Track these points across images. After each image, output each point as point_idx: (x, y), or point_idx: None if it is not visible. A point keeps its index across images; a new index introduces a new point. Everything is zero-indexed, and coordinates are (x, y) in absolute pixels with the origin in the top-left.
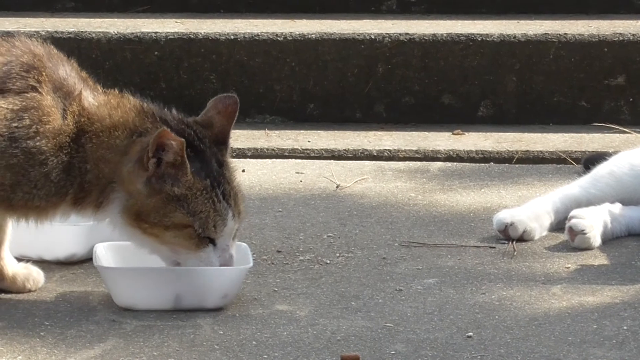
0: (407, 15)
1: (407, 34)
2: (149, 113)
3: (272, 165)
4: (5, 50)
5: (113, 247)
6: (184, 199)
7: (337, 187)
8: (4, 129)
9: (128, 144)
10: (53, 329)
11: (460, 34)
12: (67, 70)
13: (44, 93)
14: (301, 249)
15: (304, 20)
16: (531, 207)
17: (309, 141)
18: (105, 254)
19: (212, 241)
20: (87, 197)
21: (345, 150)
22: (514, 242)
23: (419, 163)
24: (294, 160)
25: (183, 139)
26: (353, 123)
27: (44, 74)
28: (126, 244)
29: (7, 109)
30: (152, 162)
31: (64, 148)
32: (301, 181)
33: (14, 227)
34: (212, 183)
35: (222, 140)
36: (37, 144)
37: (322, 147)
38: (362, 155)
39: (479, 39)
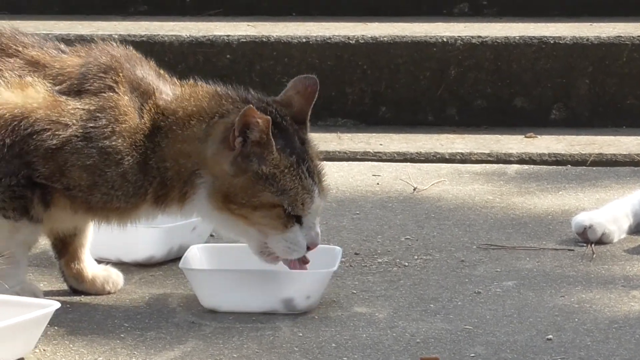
0: (479, 18)
1: (479, 36)
2: (226, 95)
3: (348, 167)
4: (84, 52)
5: (207, 249)
6: (272, 177)
7: (414, 189)
8: (80, 129)
9: (208, 128)
10: (133, 330)
11: (533, 36)
12: (144, 70)
13: (120, 93)
14: (379, 252)
15: (376, 23)
16: (610, 209)
17: (381, 144)
18: (200, 256)
19: (299, 220)
20: (169, 193)
21: (417, 153)
22: (593, 245)
23: (495, 166)
24: (370, 162)
25: (269, 117)
26: (425, 126)
27: (120, 74)
28: (219, 245)
29: (82, 109)
30: (239, 140)
31: (140, 147)
32: (378, 184)
33: (93, 230)
34: (298, 160)
35: (301, 120)
36: (113, 143)
37: (394, 150)
38: (434, 158)
39: (552, 42)
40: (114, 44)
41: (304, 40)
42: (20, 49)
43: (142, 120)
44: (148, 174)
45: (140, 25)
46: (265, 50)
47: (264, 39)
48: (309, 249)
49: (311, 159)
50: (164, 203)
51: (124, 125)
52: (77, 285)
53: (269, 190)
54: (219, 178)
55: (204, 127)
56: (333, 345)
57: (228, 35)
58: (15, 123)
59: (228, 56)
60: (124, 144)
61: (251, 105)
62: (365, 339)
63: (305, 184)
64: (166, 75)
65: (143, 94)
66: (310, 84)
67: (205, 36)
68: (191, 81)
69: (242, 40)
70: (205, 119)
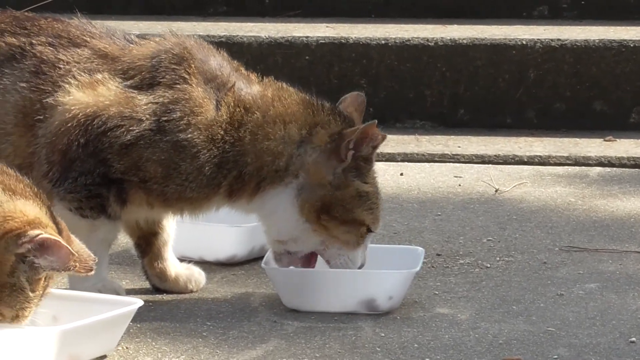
0: (558, 20)
1: (558, 39)
2: (320, 105)
3: (430, 169)
4: (154, 43)
5: None
6: (366, 195)
7: (496, 191)
8: (154, 124)
9: (307, 135)
10: (215, 329)
11: (613, 39)
12: (218, 61)
13: (194, 84)
14: (461, 253)
15: (455, 25)
16: None
17: (459, 147)
18: None
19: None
20: (244, 187)
21: (495, 156)
22: None
23: (577, 168)
24: (452, 164)
25: (386, 134)
26: (503, 129)
27: (193, 65)
28: None
29: (155, 103)
30: (351, 153)
31: (217, 140)
32: (460, 185)
33: (176, 228)
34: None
35: None
36: (189, 136)
37: (472, 153)
38: (513, 161)
39: (632, 45)
40: (184, 35)
41: (383, 41)
42: (88, 39)
43: (219, 113)
44: (224, 167)
45: (219, 26)
46: (343, 52)
47: (343, 40)
48: (359, 268)
49: None
50: (237, 195)
51: (199, 118)
52: (160, 284)
53: (363, 207)
54: (317, 186)
55: (303, 133)
56: (415, 345)
57: (307, 37)
58: (88, 122)
59: (307, 57)
60: (200, 137)
61: (375, 122)
62: (448, 339)
63: (381, 205)
64: (241, 68)
65: (219, 86)
66: (361, 102)
67: (284, 37)
68: (270, 79)
69: (321, 41)
70: (304, 125)
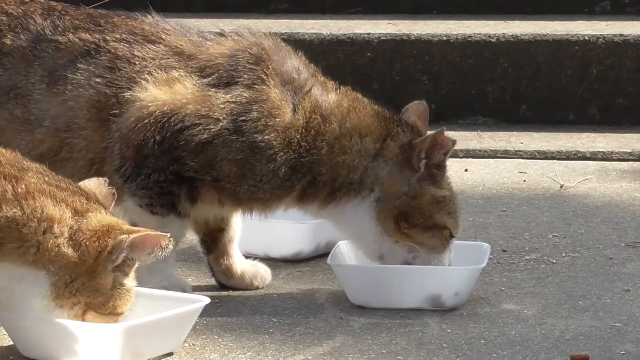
0: (621, 16)
1: (621, 35)
2: (389, 116)
3: (494, 164)
4: (233, 42)
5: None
6: (443, 199)
7: (561, 187)
8: (231, 123)
9: (380, 148)
10: (281, 325)
11: None
12: (295, 64)
13: (271, 86)
14: (527, 249)
15: (517, 21)
16: None
17: (521, 143)
18: (348, 252)
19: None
20: (316, 193)
21: (558, 152)
22: None
23: None
24: (516, 160)
25: (456, 140)
26: (566, 125)
27: (270, 67)
28: None
29: (233, 102)
30: (423, 162)
31: (293, 144)
32: (524, 181)
33: (241, 225)
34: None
35: None
36: (265, 137)
37: (535, 149)
38: (575, 157)
39: None
40: (263, 34)
41: (445, 38)
42: (163, 36)
43: (295, 117)
44: (298, 170)
45: (280, 23)
46: (405, 49)
47: (404, 37)
48: None
49: None
50: (309, 200)
51: (277, 120)
52: (226, 281)
53: (444, 211)
54: (394, 198)
55: (377, 146)
56: (482, 341)
57: (368, 34)
58: (165, 120)
59: (368, 54)
60: (277, 139)
61: (444, 128)
62: (514, 335)
63: (458, 207)
64: (318, 74)
65: (296, 89)
66: (424, 110)
67: (345, 34)
68: (346, 89)
69: (383, 38)
70: (379, 138)
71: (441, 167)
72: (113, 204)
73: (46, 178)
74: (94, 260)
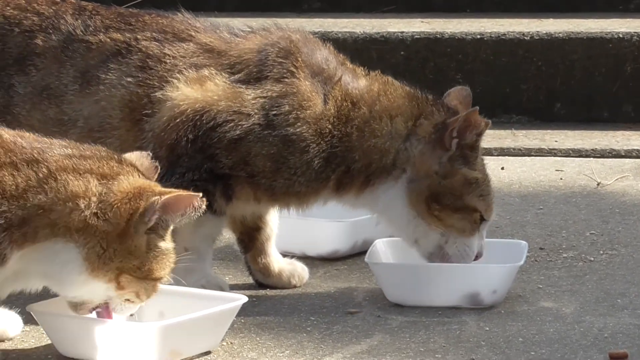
0: None
1: None
2: (423, 96)
3: (531, 162)
4: (260, 36)
5: (392, 243)
6: (476, 181)
7: (598, 184)
8: (262, 118)
9: (413, 128)
10: (319, 324)
11: None
12: (324, 55)
13: (301, 78)
14: (564, 246)
15: (551, 19)
16: None
17: (556, 141)
18: (385, 250)
19: (480, 228)
20: (352, 181)
21: (592, 150)
22: None
23: None
24: (552, 157)
25: (489, 120)
26: (600, 123)
27: (299, 59)
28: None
29: (264, 97)
30: (455, 142)
31: (325, 134)
32: (561, 179)
33: (278, 224)
34: (484, 164)
35: None
36: (298, 130)
37: (569, 147)
38: (610, 155)
39: None
40: (291, 28)
41: (478, 36)
42: (193, 33)
43: (326, 107)
44: (332, 161)
45: (314, 22)
46: (439, 47)
47: (438, 35)
48: (476, 258)
49: None
50: (344, 190)
51: (308, 112)
52: (263, 279)
53: (475, 194)
54: (425, 177)
55: (409, 125)
56: (520, 339)
57: (402, 32)
58: (197, 118)
59: (402, 53)
60: (309, 131)
61: (477, 108)
62: (553, 333)
63: (492, 191)
64: (347, 62)
65: (326, 79)
66: (467, 95)
67: (379, 33)
68: (376, 73)
69: (416, 36)
70: (410, 118)
71: (474, 148)
72: (156, 177)
73: (68, 151)
74: (126, 223)
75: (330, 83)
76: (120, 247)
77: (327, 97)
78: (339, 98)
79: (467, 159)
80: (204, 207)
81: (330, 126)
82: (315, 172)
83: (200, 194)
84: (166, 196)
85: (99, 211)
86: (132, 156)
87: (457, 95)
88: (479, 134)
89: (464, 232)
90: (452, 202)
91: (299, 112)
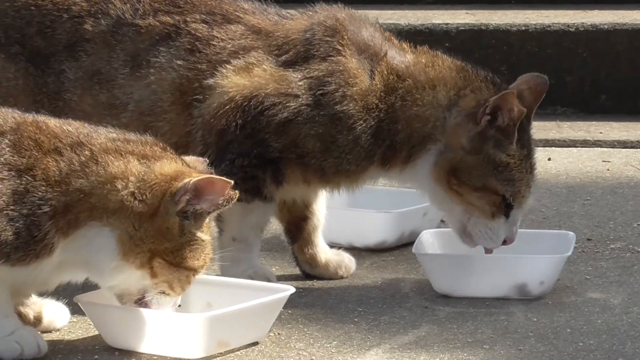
0: None
1: None
2: (475, 71)
3: (577, 154)
4: (307, 17)
5: (439, 234)
6: (502, 165)
7: None
8: (310, 98)
9: (456, 98)
10: (366, 315)
11: None
12: (370, 32)
13: (347, 56)
14: (611, 237)
15: (596, 10)
16: None
17: (600, 132)
18: (432, 241)
19: (507, 213)
20: (396, 155)
21: (638, 142)
22: None
23: None
24: (599, 149)
25: (525, 109)
26: None
27: (345, 37)
28: (451, 230)
29: (310, 77)
30: (486, 119)
31: (372, 110)
32: (608, 170)
33: (326, 214)
34: (528, 154)
35: (527, 114)
36: (344, 108)
37: (614, 139)
38: None
39: None
40: (336, 6)
41: (523, 28)
42: (241, 15)
43: (373, 82)
44: (379, 137)
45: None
46: (483, 38)
47: (483, 27)
48: (504, 243)
49: (534, 154)
50: (389, 165)
51: (354, 89)
52: (310, 270)
53: (497, 177)
54: (452, 149)
55: (451, 96)
56: (568, 330)
57: (447, 24)
58: (245, 103)
59: (446, 44)
60: (356, 108)
61: (514, 91)
62: (600, 324)
63: (529, 179)
64: (393, 38)
65: (372, 55)
66: (540, 83)
67: (423, 24)
68: (424, 47)
69: (461, 28)
70: (454, 89)
71: (507, 133)
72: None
73: (113, 135)
74: (159, 203)
75: (377, 59)
76: (152, 227)
77: (373, 72)
78: (385, 72)
79: (499, 142)
80: (235, 199)
81: (377, 100)
82: (363, 150)
83: (232, 181)
84: (198, 177)
85: (136, 190)
86: (187, 158)
87: (527, 80)
88: (513, 120)
89: (484, 212)
90: (471, 180)
91: (345, 90)
